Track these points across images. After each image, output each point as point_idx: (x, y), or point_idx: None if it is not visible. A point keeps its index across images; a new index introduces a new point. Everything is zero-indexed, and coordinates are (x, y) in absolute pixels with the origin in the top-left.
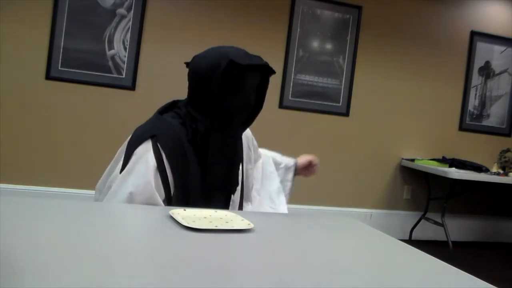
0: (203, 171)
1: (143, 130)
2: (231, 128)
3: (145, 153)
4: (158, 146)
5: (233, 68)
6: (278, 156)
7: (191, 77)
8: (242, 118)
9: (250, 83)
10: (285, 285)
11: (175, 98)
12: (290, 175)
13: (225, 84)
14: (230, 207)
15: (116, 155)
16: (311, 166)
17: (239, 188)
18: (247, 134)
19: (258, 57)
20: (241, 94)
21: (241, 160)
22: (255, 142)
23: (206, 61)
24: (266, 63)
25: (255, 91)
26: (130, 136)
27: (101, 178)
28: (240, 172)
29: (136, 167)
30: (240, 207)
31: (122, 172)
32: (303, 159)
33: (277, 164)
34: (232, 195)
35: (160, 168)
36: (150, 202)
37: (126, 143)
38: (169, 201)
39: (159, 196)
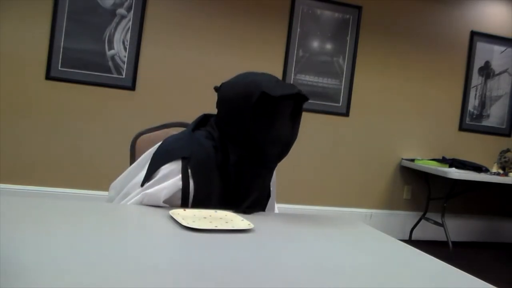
0: (226, 199)
1: (175, 146)
2: (265, 161)
3: (173, 172)
4: (187, 169)
5: (266, 100)
6: None
7: (221, 104)
8: (276, 151)
9: (283, 113)
10: (285, 285)
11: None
12: None
13: (258, 117)
14: None
15: (139, 161)
16: None
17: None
18: None
19: (291, 85)
20: (274, 127)
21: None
22: None
23: (237, 90)
24: (299, 91)
25: (288, 121)
26: (159, 145)
27: (119, 178)
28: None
29: (161, 183)
30: None
31: (145, 185)
32: None
33: None
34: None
35: (184, 192)
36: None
37: (151, 150)
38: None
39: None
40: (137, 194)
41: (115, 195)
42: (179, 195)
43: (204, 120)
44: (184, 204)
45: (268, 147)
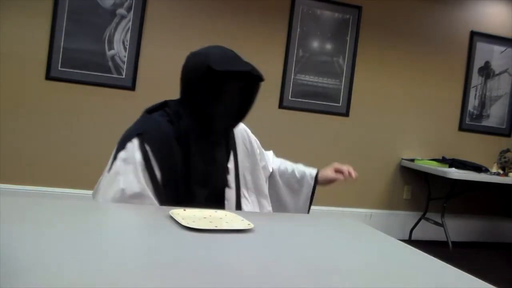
0: (186, 168)
1: (131, 129)
2: (211, 133)
3: (132, 151)
4: (144, 144)
5: (212, 75)
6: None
7: (181, 76)
8: (223, 125)
9: (232, 90)
10: (285, 285)
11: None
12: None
13: (205, 91)
14: (226, 206)
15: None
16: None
17: (233, 186)
18: (243, 134)
19: (244, 63)
20: (221, 102)
21: (226, 161)
22: (256, 143)
23: (191, 63)
24: (252, 69)
25: (237, 97)
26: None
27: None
28: (233, 171)
29: (125, 166)
30: (238, 205)
31: (111, 172)
32: (327, 172)
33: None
34: (227, 193)
35: (148, 165)
36: (141, 198)
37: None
38: (159, 196)
39: (145, 195)
40: (108, 184)
41: (95, 196)
42: (147, 175)
43: (163, 105)
44: (154, 182)
45: (216, 120)
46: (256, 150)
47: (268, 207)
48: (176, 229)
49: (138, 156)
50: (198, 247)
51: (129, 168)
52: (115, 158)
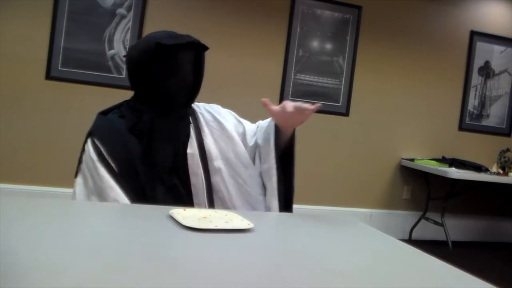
0: (147, 156)
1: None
2: (174, 109)
3: (88, 151)
4: (95, 142)
5: (161, 50)
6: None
7: (127, 68)
8: (182, 98)
9: (182, 62)
10: (285, 285)
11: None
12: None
13: (157, 67)
14: (193, 192)
15: None
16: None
17: (201, 172)
18: (204, 115)
19: (187, 36)
20: (175, 74)
21: (187, 138)
22: (225, 116)
23: (137, 49)
24: (195, 40)
25: (190, 69)
26: None
27: None
28: (196, 149)
29: (86, 166)
30: (209, 191)
31: (77, 175)
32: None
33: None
34: (193, 179)
35: (102, 160)
36: (108, 192)
37: None
38: (123, 186)
39: (108, 187)
40: (79, 189)
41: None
42: (104, 170)
43: (120, 105)
44: (112, 173)
45: (173, 94)
46: (228, 126)
47: (247, 176)
48: (176, 229)
49: (92, 154)
50: (198, 247)
51: (89, 167)
52: (79, 162)
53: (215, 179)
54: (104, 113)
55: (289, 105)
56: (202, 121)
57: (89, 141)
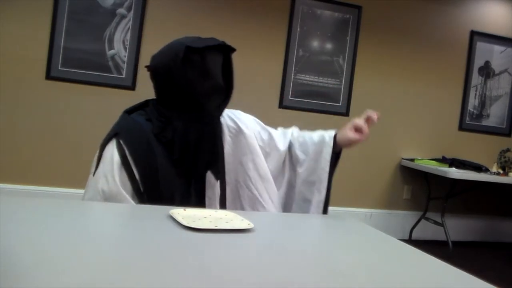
0: (175, 164)
1: (110, 130)
2: (206, 114)
3: (110, 152)
4: (120, 143)
5: (192, 53)
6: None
7: (154, 76)
8: (214, 103)
9: (213, 65)
10: (285, 285)
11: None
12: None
13: (188, 72)
14: (207, 202)
15: (93, 160)
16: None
17: (217, 184)
18: (227, 123)
19: (213, 38)
20: (206, 78)
21: (216, 147)
22: (247, 124)
23: (164, 56)
24: (223, 42)
25: (220, 72)
26: None
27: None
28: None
29: (104, 167)
30: (223, 203)
31: (95, 174)
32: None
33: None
34: (208, 187)
35: (125, 164)
36: (119, 199)
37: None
38: (139, 195)
39: (125, 192)
40: (92, 187)
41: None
42: (125, 175)
43: (144, 104)
44: (133, 180)
45: (204, 99)
46: (249, 134)
47: (267, 194)
48: (176, 229)
49: (116, 156)
50: (198, 247)
51: (107, 169)
52: (98, 160)
53: (229, 190)
54: (128, 112)
55: (374, 117)
56: (225, 129)
57: (114, 141)
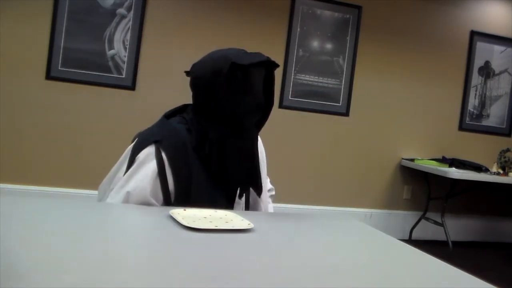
0: (213, 179)
1: (148, 134)
2: (245, 131)
3: (148, 158)
4: (160, 152)
5: (236, 69)
6: None
7: (194, 85)
8: (254, 119)
9: (256, 81)
10: (285, 285)
11: (183, 102)
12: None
13: (231, 88)
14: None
15: (121, 158)
16: None
17: (243, 200)
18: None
19: (259, 54)
20: (248, 95)
21: (254, 162)
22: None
23: (207, 68)
24: (268, 58)
25: (262, 88)
26: (136, 139)
27: (105, 179)
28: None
29: (138, 171)
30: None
31: (125, 175)
32: None
33: None
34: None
35: (161, 173)
36: (145, 204)
37: (131, 146)
38: (168, 205)
39: (155, 201)
40: (120, 186)
41: (103, 194)
42: (159, 184)
43: (182, 108)
44: (165, 191)
45: (246, 116)
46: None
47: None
48: (176, 229)
49: (153, 163)
50: (198, 247)
51: (141, 174)
52: (131, 161)
53: (252, 206)
54: (167, 116)
55: None
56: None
57: (153, 147)
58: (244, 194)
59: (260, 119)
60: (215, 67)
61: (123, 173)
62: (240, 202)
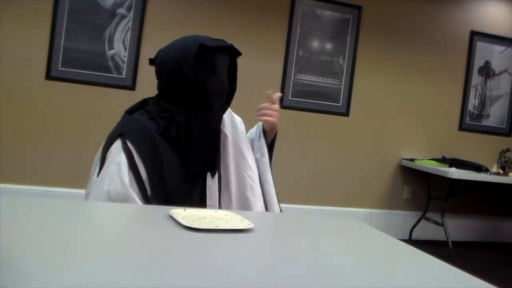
0: (181, 161)
1: (113, 131)
2: (211, 113)
3: (116, 152)
4: (127, 143)
5: (205, 51)
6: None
7: (160, 70)
8: (219, 102)
9: (221, 65)
10: (285, 285)
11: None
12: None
13: (199, 69)
14: (207, 194)
15: (94, 161)
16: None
17: (216, 175)
18: (235, 122)
19: (223, 40)
20: (215, 77)
21: (219, 143)
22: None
23: (176, 49)
24: (232, 44)
25: (226, 74)
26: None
27: (86, 185)
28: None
29: (110, 168)
30: (219, 195)
31: (99, 175)
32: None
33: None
34: (209, 181)
35: (132, 165)
36: (126, 199)
37: (100, 148)
38: (145, 196)
39: (134, 193)
40: (96, 187)
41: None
42: (132, 176)
43: (143, 103)
44: (139, 181)
45: (212, 98)
46: (246, 138)
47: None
48: (176, 229)
49: (122, 156)
50: (198, 247)
51: (113, 170)
52: (103, 161)
53: (235, 182)
54: (129, 111)
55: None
56: (226, 123)
57: (119, 141)
58: (216, 174)
59: (223, 104)
60: (183, 48)
61: (97, 174)
62: (214, 182)
